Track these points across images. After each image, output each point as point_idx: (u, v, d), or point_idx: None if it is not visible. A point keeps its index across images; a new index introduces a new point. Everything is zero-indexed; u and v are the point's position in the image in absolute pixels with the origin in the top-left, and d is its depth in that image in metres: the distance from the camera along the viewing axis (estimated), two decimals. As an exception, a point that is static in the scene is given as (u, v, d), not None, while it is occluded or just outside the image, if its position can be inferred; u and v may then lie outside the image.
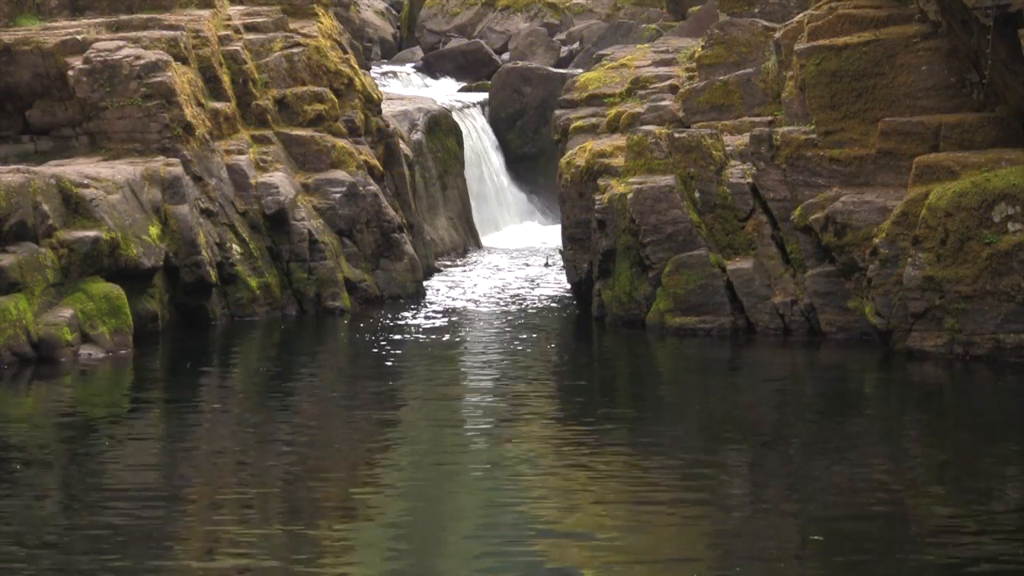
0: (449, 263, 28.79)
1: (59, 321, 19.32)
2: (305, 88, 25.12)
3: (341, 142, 24.94)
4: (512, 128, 34.47)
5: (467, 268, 28.35)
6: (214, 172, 23.07)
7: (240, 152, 23.69)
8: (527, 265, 28.42)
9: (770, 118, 22.09)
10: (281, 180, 23.62)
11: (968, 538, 11.40)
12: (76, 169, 21.24)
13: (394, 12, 44.13)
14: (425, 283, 25.51)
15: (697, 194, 21.16)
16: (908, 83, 19.87)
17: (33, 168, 20.69)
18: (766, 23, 23.79)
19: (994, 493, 12.89)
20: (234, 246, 22.82)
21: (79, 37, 23.37)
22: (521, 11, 41.27)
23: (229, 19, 25.46)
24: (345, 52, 26.51)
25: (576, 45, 38.32)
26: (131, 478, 13.57)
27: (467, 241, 30.92)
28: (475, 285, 26.12)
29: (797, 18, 22.00)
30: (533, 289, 25.58)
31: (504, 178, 33.78)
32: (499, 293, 25.10)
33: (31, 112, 23.45)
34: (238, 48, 24.69)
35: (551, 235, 30.49)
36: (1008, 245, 17.95)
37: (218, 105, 23.88)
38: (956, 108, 19.68)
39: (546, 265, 28.15)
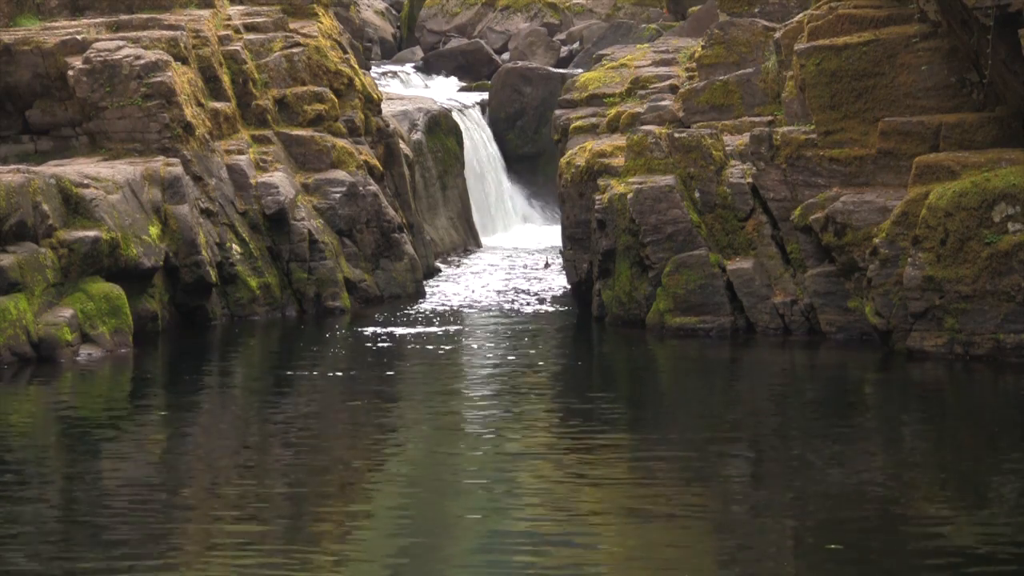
0: (449, 263, 28.78)
1: (59, 321, 19.32)
2: (305, 88, 25.12)
3: (341, 142, 24.94)
4: (512, 128, 34.46)
5: (467, 268, 28.33)
6: (214, 172, 23.07)
7: (240, 152, 23.69)
8: (527, 265, 28.40)
9: (770, 118, 22.09)
10: (281, 180, 23.62)
11: (968, 538, 11.39)
12: (76, 169, 21.24)
13: (394, 12, 44.12)
14: (425, 283, 25.50)
15: (697, 194, 21.16)
16: (908, 83, 19.87)
17: (33, 168, 20.69)
18: (766, 23, 23.81)
19: (994, 493, 12.88)
20: (234, 246, 22.81)
21: (79, 37, 23.37)
22: (521, 11, 41.27)
23: (229, 19, 25.46)
24: (345, 52, 26.52)
25: (576, 45, 38.31)
26: (127, 482, 13.55)
27: (467, 241, 30.92)
28: (475, 285, 26.11)
29: (797, 18, 22.01)
30: (533, 289, 25.57)
31: (504, 178, 33.77)
32: (499, 293, 25.09)
33: (31, 112, 23.45)
34: (238, 48, 24.69)
35: (551, 235, 30.48)
36: (1008, 245, 17.95)
37: (218, 105, 23.88)
38: (956, 108, 19.67)
39: (546, 265, 28.13)
